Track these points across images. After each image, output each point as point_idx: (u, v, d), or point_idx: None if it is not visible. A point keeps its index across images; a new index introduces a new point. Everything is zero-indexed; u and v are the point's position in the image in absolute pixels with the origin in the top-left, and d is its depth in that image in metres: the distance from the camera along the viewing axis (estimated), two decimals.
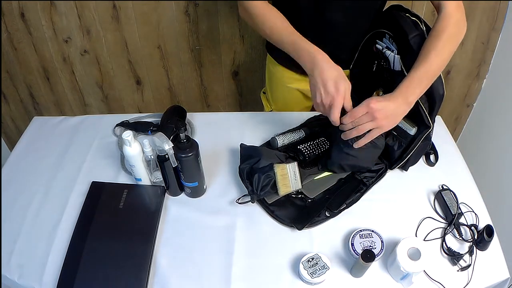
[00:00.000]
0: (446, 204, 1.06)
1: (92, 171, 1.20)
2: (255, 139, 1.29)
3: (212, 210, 1.09)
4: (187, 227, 1.05)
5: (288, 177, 1.09)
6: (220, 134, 1.31)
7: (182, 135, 0.97)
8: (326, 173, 1.14)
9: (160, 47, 1.69)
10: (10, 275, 0.96)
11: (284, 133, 1.25)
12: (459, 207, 1.06)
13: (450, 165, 1.21)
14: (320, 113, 1.24)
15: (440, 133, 1.33)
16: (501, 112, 1.66)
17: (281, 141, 1.21)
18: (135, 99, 1.90)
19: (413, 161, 1.16)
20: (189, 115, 1.36)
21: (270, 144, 1.24)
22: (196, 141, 1.01)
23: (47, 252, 0.99)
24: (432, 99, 1.04)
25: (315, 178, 1.13)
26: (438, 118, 1.38)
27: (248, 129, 1.33)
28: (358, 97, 1.14)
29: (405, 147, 1.13)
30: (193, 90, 1.87)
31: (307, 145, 1.19)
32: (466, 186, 1.14)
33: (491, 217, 1.06)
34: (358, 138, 0.99)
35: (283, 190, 1.07)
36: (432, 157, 1.22)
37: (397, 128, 1.13)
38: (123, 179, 1.17)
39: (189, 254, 0.99)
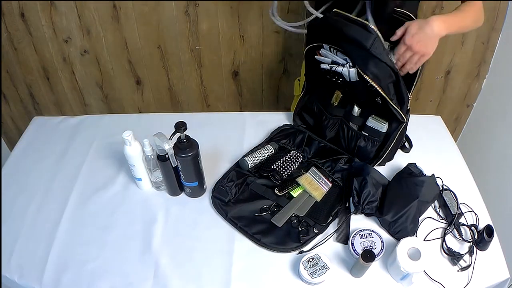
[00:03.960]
0: (446, 204, 1.06)
1: (92, 171, 1.20)
2: (255, 139, 1.29)
3: (212, 210, 1.09)
4: (187, 227, 1.05)
5: (315, 181, 1.10)
6: (220, 134, 1.31)
7: (182, 135, 0.97)
8: (301, 188, 1.11)
9: (160, 47, 1.69)
10: (10, 275, 0.96)
11: (252, 152, 1.19)
12: (459, 207, 1.06)
13: (450, 165, 1.21)
14: (284, 124, 1.31)
15: (440, 133, 1.33)
16: (501, 112, 1.66)
17: (251, 162, 1.16)
18: (135, 99, 1.90)
19: (389, 157, 1.17)
20: (188, 115, 1.37)
21: (239, 166, 1.17)
22: (196, 141, 1.01)
23: (47, 252, 0.99)
24: (399, 92, 1.03)
25: (296, 196, 1.10)
26: (438, 118, 1.39)
27: (248, 129, 1.33)
28: (317, 99, 1.18)
29: (380, 145, 1.14)
30: (193, 90, 1.87)
31: (280, 162, 1.15)
32: (466, 186, 1.14)
33: (491, 217, 1.06)
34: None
35: (317, 194, 1.08)
36: (406, 144, 1.24)
37: (367, 128, 1.14)
38: (123, 179, 1.17)
39: (189, 254, 0.99)
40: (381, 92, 1.00)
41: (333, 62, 1.04)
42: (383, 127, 1.11)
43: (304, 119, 1.31)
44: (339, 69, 1.01)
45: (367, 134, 1.15)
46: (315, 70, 1.12)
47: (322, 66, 1.06)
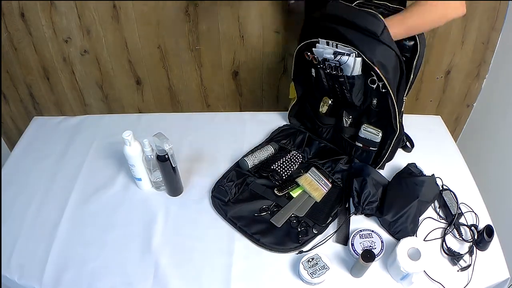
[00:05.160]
0: (446, 204, 1.06)
1: (92, 171, 1.20)
2: (255, 139, 1.29)
3: (212, 210, 1.09)
4: (187, 227, 1.05)
5: (315, 182, 1.10)
6: (220, 134, 1.31)
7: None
8: (301, 189, 1.11)
9: (160, 47, 1.69)
10: (10, 275, 0.96)
11: (252, 152, 1.19)
12: (459, 207, 1.06)
13: (450, 165, 1.21)
14: (284, 124, 1.28)
15: (440, 133, 1.33)
16: (501, 112, 1.66)
17: (251, 162, 1.16)
18: (135, 99, 1.90)
19: (388, 158, 1.17)
20: (188, 115, 1.37)
21: (239, 166, 1.17)
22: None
23: (47, 252, 0.99)
24: (399, 88, 1.02)
25: (295, 196, 1.10)
26: (438, 118, 1.39)
27: (248, 129, 1.33)
28: (310, 105, 1.17)
29: (377, 151, 1.13)
30: (193, 90, 1.87)
31: (280, 163, 1.15)
32: (466, 186, 1.14)
33: (491, 217, 1.06)
34: None
35: (317, 195, 1.08)
36: (408, 144, 1.24)
37: (360, 139, 1.13)
38: (123, 179, 1.17)
39: (189, 254, 0.99)
40: (385, 81, 0.96)
41: (336, 53, 0.99)
42: (377, 137, 1.10)
43: (302, 121, 1.31)
44: (344, 58, 0.97)
45: (360, 145, 1.14)
46: (305, 70, 1.11)
47: (326, 55, 1.01)
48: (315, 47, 1.03)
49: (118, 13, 1.57)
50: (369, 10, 0.96)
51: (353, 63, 0.97)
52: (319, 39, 1.01)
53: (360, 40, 0.95)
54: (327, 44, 1.00)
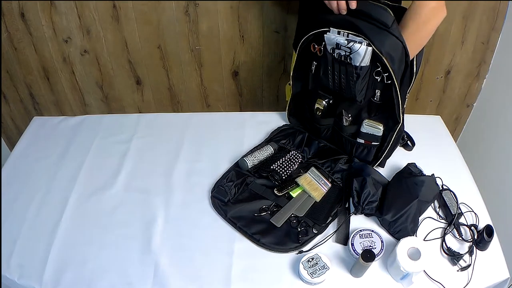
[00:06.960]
0: (446, 204, 1.06)
1: (92, 171, 1.20)
2: (255, 139, 1.29)
3: (212, 210, 1.09)
4: (187, 227, 1.05)
5: (314, 182, 1.10)
6: (220, 134, 1.31)
7: None
8: (300, 189, 1.11)
9: (160, 47, 1.69)
10: (10, 275, 0.96)
11: (251, 152, 1.19)
12: (459, 207, 1.06)
13: (450, 165, 1.21)
14: (284, 124, 1.29)
15: (440, 133, 1.33)
16: (501, 112, 1.66)
17: (250, 162, 1.16)
18: (135, 99, 1.90)
19: (388, 155, 1.17)
20: (188, 115, 1.37)
21: (239, 166, 1.17)
22: None
23: (47, 252, 0.99)
24: (403, 81, 1.03)
25: (295, 196, 1.10)
26: (438, 118, 1.39)
27: (248, 129, 1.33)
28: (306, 105, 1.16)
29: (378, 146, 1.13)
30: (193, 90, 1.87)
31: (279, 163, 1.15)
32: (466, 186, 1.14)
33: (491, 217, 1.06)
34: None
35: (317, 195, 1.08)
36: (409, 142, 1.24)
37: (362, 134, 1.13)
38: (123, 179, 1.17)
39: (189, 254, 0.99)
40: (391, 72, 0.97)
41: (349, 40, 0.99)
42: (379, 130, 1.10)
43: (301, 121, 1.31)
44: (356, 46, 0.97)
45: (362, 141, 1.14)
46: (306, 65, 1.11)
47: (338, 40, 1.00)
48: (323, 39, 1.03)
49: (118, 13, 1.57)
50: (379, 4, 0.97)
51: (364, 52, 0.97)
52: (331, 28, 1.00)
53: (370, 30, 0.96)
54: (338, 33, 1.00)
